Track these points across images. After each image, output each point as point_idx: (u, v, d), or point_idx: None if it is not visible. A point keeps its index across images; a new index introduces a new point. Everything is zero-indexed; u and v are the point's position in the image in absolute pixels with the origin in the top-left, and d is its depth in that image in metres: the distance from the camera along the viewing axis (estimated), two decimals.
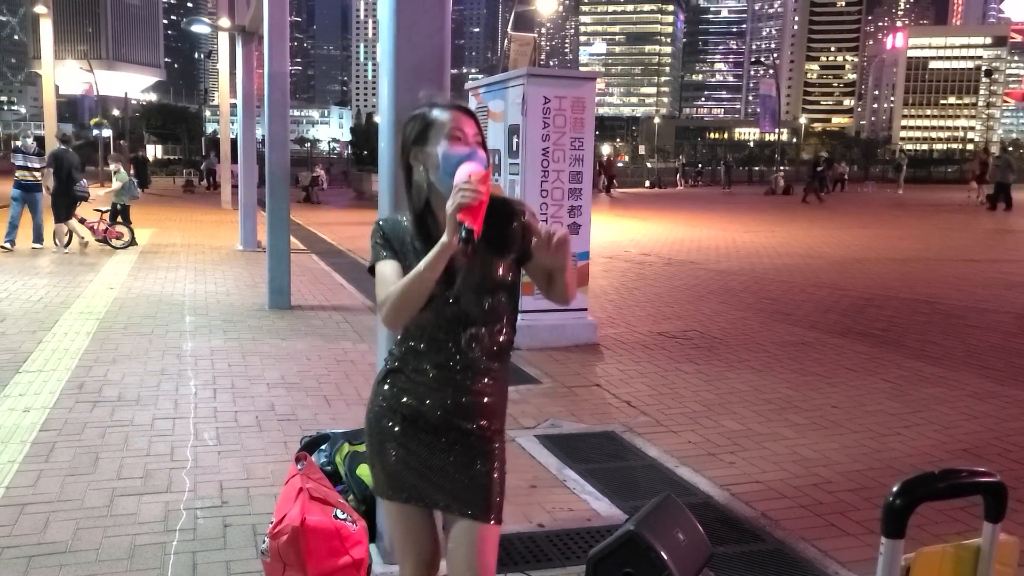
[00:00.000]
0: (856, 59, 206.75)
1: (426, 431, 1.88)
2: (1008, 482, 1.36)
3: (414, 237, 1.85)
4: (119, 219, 12.96)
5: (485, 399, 1.88)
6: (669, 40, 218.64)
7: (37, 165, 11.86)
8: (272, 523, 2.85)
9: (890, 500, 1.17)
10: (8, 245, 11.38)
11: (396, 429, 1.90)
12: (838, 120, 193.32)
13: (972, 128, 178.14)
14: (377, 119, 3.10)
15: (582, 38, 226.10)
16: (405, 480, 1.91)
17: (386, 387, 1.94)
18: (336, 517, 2.82)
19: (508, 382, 1.98)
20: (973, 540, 1.29)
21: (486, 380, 1.88)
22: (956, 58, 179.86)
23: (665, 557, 2.56)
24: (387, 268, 1.83)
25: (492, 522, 1.90)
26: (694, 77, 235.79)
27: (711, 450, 4.37)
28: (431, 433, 1.88)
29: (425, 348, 1.87)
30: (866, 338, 7.25)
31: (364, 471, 3.21)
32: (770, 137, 64.10)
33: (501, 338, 1.89)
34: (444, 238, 1.69)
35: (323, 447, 3.40)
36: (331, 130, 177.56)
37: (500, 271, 1.84)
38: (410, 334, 1.89)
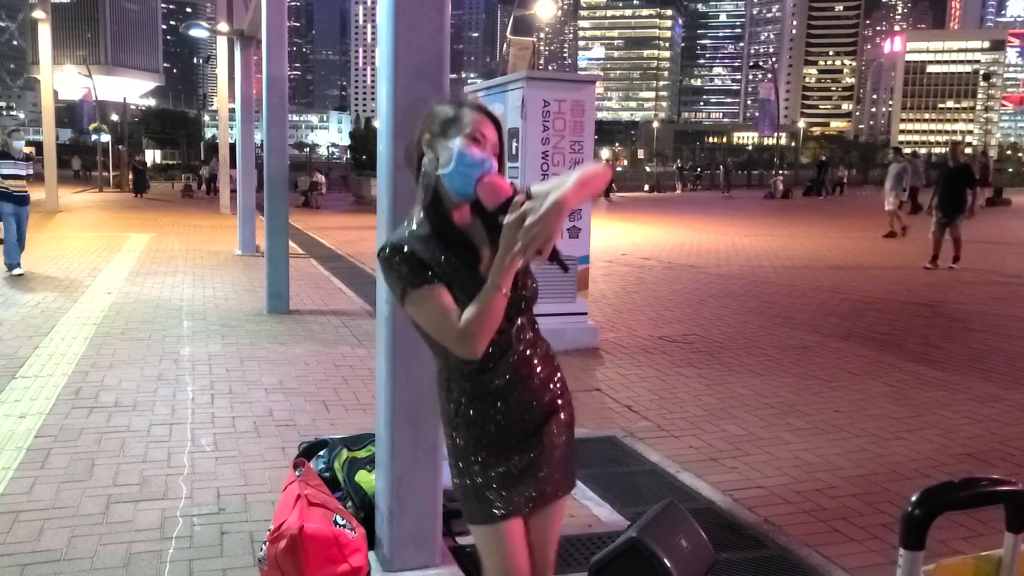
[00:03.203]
0: (854, 63, 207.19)
1: (515, 438, 1.84)
2: (1007, 476, 1.33)
3: (442, 246, 1.73)
4: None
5: (545, 373, 1.87)
6: (667, 44, 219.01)
7: (25, 172, 10.40)
8: (270, 530, 2.81)
9: (909, 510, 1.13)
10: (19, 270, 10.02)
11: (490, 457, 1.84)
12: (837, 124, 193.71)
13: (970, 132, 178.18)
14: (376, 124, 3.07)
15: (581, 43, 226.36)
16: (509, 496, 1.85)
17: (464, 419, 1.84)
18: (335, 524, 2.78)
19: (551, 349, 1.95)
20: (994, 551, 1.26)
21: (540, 350, 1.88)
22: (954, 62, 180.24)
23: (668, 564, 2.53)
24: (433, 294, 1.68)
25: (572, 490, 1.98)
26: (693, 81, 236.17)
27: (713, 455, 4.34)
28: (522, 437, 1.84)
29: (484, 361, 1.76)
30: (867, 342, 7.22)
31: (363, 477, 3.17)
32: (769, 141, 64.11)
33: (533, 320, 1.89)
34: (503, 252, 1.60)
35: (321, 453, 3.37)
36: (330, 135, 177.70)
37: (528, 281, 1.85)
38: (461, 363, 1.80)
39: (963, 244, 12.17)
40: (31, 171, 10.65)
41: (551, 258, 1.63)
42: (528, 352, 1.84)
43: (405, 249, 1.70)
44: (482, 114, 1.77)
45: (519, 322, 1.82)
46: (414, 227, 1.76)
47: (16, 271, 9.95)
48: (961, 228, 12.05)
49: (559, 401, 1.90)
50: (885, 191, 17.05)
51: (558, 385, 1.92)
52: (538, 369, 1.86)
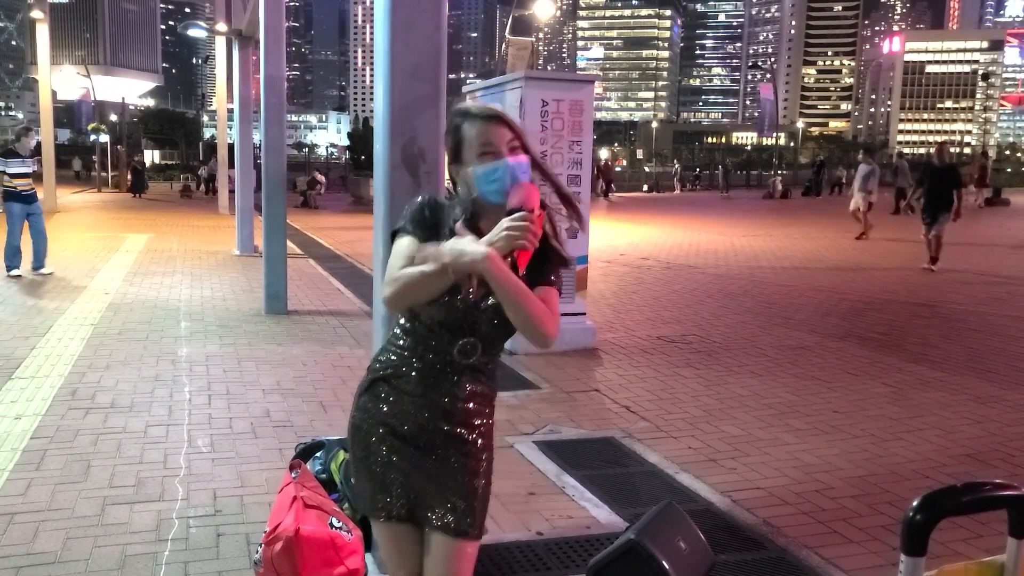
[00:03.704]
0: (853, 63, 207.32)
1: (409, 442, 1.82)
2: (1010, 481, 1.32)
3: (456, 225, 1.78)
4: None
5: (470, 404, 1.83)
6: (666, 45, 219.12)
7: (31, 169, 10.22)
8: (265, 532, 2.79)
9: (910, 515, 1.11)
10: (18, 272, 9.84)
11: (377, 441, 1.84)
12: (835, 124, 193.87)
13: (969, 132, 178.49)
14: (374, 124, 3.05)
15: (580, 43, 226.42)
16: (389, 495, 1.85)
17: (367, 396, 1.87)
18: (331, 526, 2.76)
19: (495, 390, 1.91)
20: (997, 556, 1.24)
21: (471, 387, 1.83)
22: (953, 62, 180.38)
23: (666, 566, 2.51)
24: (404, 244, 1.76)
25: (470, 537, 1.83)
26: (692, 82, 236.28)
27: (712, 456, 4.32)
28: (413, 444, 1.82)
29: (415, 351, 1.81)
30: (866, 342, 7.21)
31: None
32: (768, 141, 64.15)
33: (492, 355, 1.84)
34: (482, 248, 1.62)
35: (318, 454, 3.35)
36: (329, 135, 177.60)
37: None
38: (401, 337, 1.84)
39: (962, 244, 12.13)
40: (36, 167, 10.46)
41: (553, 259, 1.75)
42: (463, 378, 1.81)
43: (427, 205, 1.81)
44: (482, 122, 1.77)
45: (471, 344, 1.78)
46: (455, 203, 1.82)
47: (14, 272, 9.86)
48: (944, 229, 11.83)
49: (475, 435, 1.84)
50: (852, 192, 16.92)
51: (481, 430, 1.86)
52: (462, 402, 1.81)
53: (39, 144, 16.67)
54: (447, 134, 1.85)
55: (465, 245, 1.60)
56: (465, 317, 1.76)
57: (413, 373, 1.81)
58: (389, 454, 1.83)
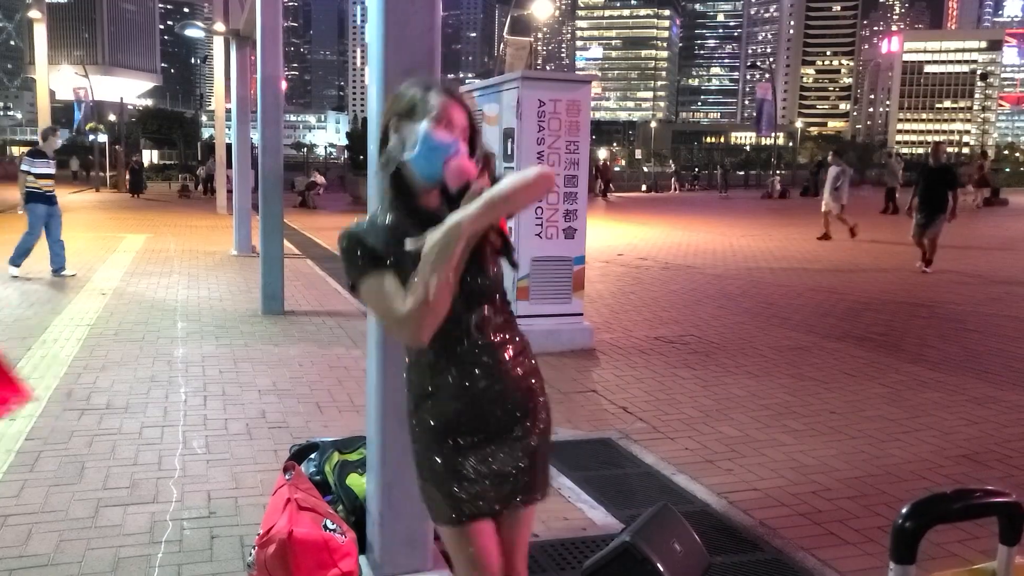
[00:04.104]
0: (852, 63, 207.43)
1: (476, 435, 1.79)
2: (1010, 487, 1.30)
3: (408, 232, 1.67)
4: None
5: (517, 370, 1.81)
6: (665, 45, 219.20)
7: (53, 171, 10.11)
8: (259, 534, 2.78)
9: (899, 523, 1.10)
10: (15, 271, 9.78)
11: (450, 451, 1.80)
12: (834, 124, 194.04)
13: (967, 132, 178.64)
14: (371, 124, 3.04)
15: (578, 43, 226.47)
16: (468, 498, 1.81)
17: (422, 415, 1.83)
18: (325, 528, 2.75)
19: (524, 337, 1.88)
20: (987, 563, 1.23)
21: (507, 352, 1.80)
22: (951, 62, 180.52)
23: (661, 569, 2.50)
24: (384, 282, 1.67)
25: (542, 499, 1.91)
26: (690, 81, 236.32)
27: (709, 457, 4.31)
28: (480, 434, 1.79)
29: (437, 352, 1.77)
30: (864, 342, 7.20)
31: (354, 481, 3.14)
32: (766, 141, 64.18)
33: (502, 308, 1.82)
34: (466, 222, 1.57)
35: (312, 456, 3.34)
36: (328, 135, 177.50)
37: (490, 237, 1.75)
38: (421, 352, 1.80)
39: (960, 244, 12.11)
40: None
41: (501, 251, 1.69)
42: (493, 347, 1.78)
43: (359, 238, 1.72)
44: (450, 97, 1.73)
45: (482, 313, 1.77)
46: (379, 215, 1.78)
47: (13, 272, 9.80)
48: (940, 230, 11.74)
49: (532, 403, 1.84)
50: (824, 193, 16.70)
51: (533, 386, 1.86)
52: (506, 366, 1.80)
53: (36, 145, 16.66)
54: (402, 90, 1.77)
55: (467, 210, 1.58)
56: (470, 292, 1.74)
57: (447, 370, 1.77)
58: (461, 457, 1.80)
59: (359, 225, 1.77)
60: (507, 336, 1.82)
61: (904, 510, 1.10)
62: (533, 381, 1.86)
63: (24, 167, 9.91)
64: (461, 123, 1.72)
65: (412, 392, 1.85)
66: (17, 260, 9.85)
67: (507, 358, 1.80)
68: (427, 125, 1.69)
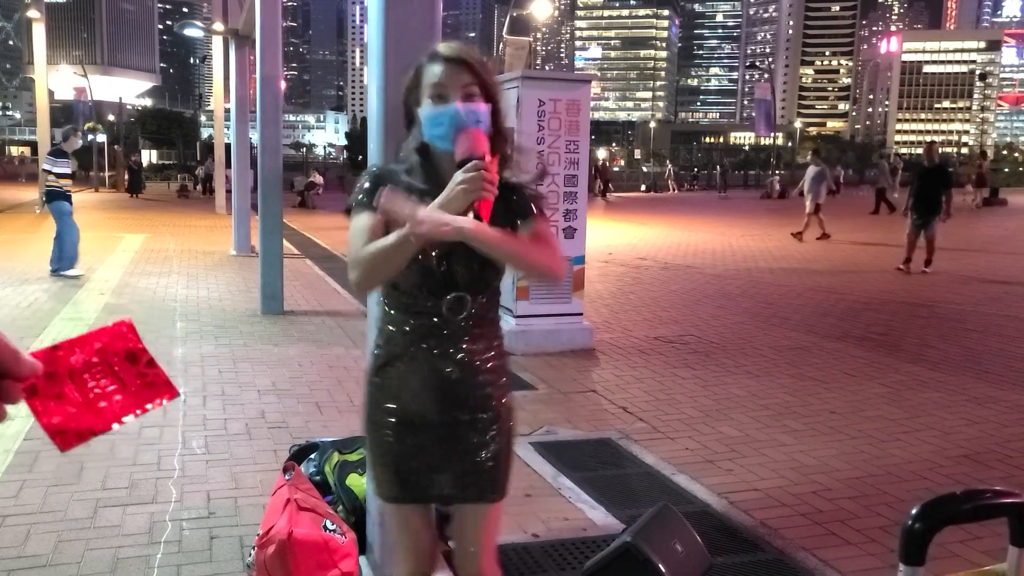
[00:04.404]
0: (851, 63, 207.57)
1: (422, 422, 1.78)
2: (1012, 488, 1.30)
3: (415, 181, 1.74)
4: None
5: (476, 362, 1.77)
6: (664, 45, 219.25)
7: (71, 170, 10.09)
8: (259, 535, 2.77)
9: (909, 524, 1.09)
10: (76, 271, 9.74)
11: (395, 424, 1.80)
12: (833, 124, 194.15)
13: (966, 132, 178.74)
14: (370, 124, 3.02)
15: (577, 43, 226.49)
16: (411, 478, 1.81)
17: (377, 382, 1.83)
18: (325, 529, 2.74)
19: (502, 337, 1.86)
20: (997, 565, 1.22)
21: (472, 344, 1.76)
22: (950, 62, 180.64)
23: (663, 569, 2.49)
24: (362, 221, 1.70)
25: (497, 500, 1.85)
26: (689, 81, 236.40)
27: (709, 457, 4.30)
28: (427, 423, 1.77)
29: (407, 323, 1.76)
30: (864, 342, 7.19)
31: (354, 481, 3.13)
32: (765, 141, 64.22)
33: (483, 308, 1.77)
34: (437, 208, 1.57)
35: (312, 456, 3.33)
36: (327, 135, 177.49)
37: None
38: (388, 315, 1.80)
39: (959, 244, 12.10)
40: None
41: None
42: (463, 337, 1.75)
43: (376, 177, 1.77)
44: (445, 64, 1.69)
45: (459, 300, 1.72)
46: (402, 170, 1.79)
47: (75, 272, 9.71)
48: (936, 230, 11.67)
49: (493, 403, 1.81)
50: (804, 193, 16.57)
51: (497, 386, 1.82)
52: (471, 360, 1.76)
53: (34, 145, 16.66)
54: (410, 70, 1.79)
55: (443, 215, 1.55)
56: (441, 273, 1.70)
57: (410, 347, 1.75)
58: (404, 438, 1.79)
59: (385, 166, 1.82)
60: (481, 332, 1.78)
61: (914, 511, 1.09)
62: (498, 382, 1.82)
63: (46, 166, 9.92)
64: (459, 81, 1.68)
65: (376, 356, 1.83)
66: (68, 263, 9.79)
67: (474, 352, 1.77)
68: (426, 106, 1.70)
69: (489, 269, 1.74)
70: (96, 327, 0.85)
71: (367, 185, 1.75)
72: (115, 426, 0.83)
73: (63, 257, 9.80)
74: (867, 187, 44.69)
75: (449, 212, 1.57)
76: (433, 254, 1.68)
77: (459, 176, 1.58)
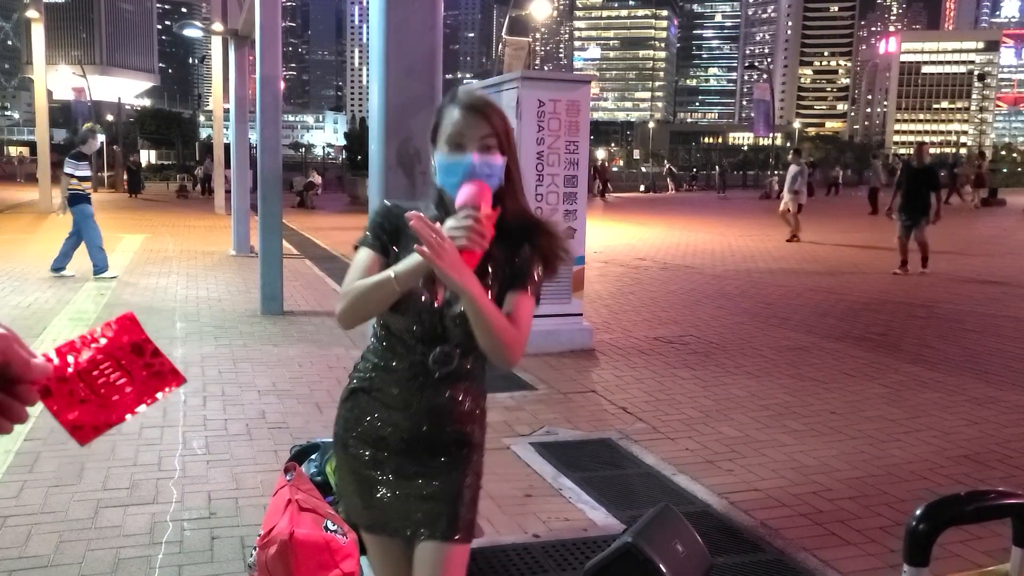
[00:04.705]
0: (849, 64, 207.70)
1: (390, 454, 1.75)
2: (1013, 489, 1.30)
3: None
4: None
5: (453, 412, 1.74)
6: (663, 45, 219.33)
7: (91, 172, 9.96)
8: (260, 535, 2.77)
9: (913, 525, 1.10)
10: (111, 272, 9.91)
11: (363, 453, 1.77)
12: (832, 124, 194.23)
13: (965, 132, 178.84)
14: (370, 124, 3.03)
15: (576, 43, 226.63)
16: (372, 506, 1.78)
17: (347, 407, 1.81)
18: (326, 529, 2.75)
19: (483, 392, 1.83)
20: (1001, 566, 1.22)
21: (453, 395, 1.74)
22: (949, 63, 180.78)
23: (664, 569, 2.50)
24: (361, 256, 1.69)
25: (458, 540, 1.74)
26: (688, 82, 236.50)
27: (709, 457, 4.31)
28: (396, 455, 1.74)
29: (391, 361, 1.73)
30: (863, 342, 7.20)
31: None
32: (764, 141, 64.28)
33: (469, 364, 1.74)
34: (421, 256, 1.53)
35: (313, 457, 3.33)
36: (326, 135, 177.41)
37: (491, 294, 1.66)
38: (376, 347, 1.77)
39: (958, 244, 12.07)
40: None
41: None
42: (441, 395, 1.72)
43: (386, 213, 1.75)
44: (465, 112, 1.66)
45: (445, 362, 1.69)
46: (423, 206, 1.73)
47: (109, 274, 9.77)
48: (926, 232, 11.53)
49: (464, 446, 1.77)
50: (783, 193, 16.45)
51: (470, 430, 1.78)
52: (445, 414, 1.73)
53: (33, 146, 16.64)
54: (435, 113, 1.77)
55: (461, 261, 1.50)
56: (434, 325, 1.68)
57: (392, 386, 1.73)
58: (372, 467, 1.77)
59: (397, 204, 1.77)
60: (464, 388, 1.75)
61: (918, 512, 1.10)
62: (471, 436, 1.79)
63: (68, 170, 9.91)
64: (478, 132, 1.65)
65: (353, 379, 1.81)
66: (101, 263, 9.84)
67: (452, 405, 1.74)
68: (441, 152, 1.67)
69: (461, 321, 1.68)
70: (99, 323, 0.87)
71: (373, 221, 1.74)
72: (128, 416, 0.86)
73: (94, 262, 9.82)
74: (866, 187, 44.78)
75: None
76: (426, 301, 1.64)
77: (449, 223, 1.54)
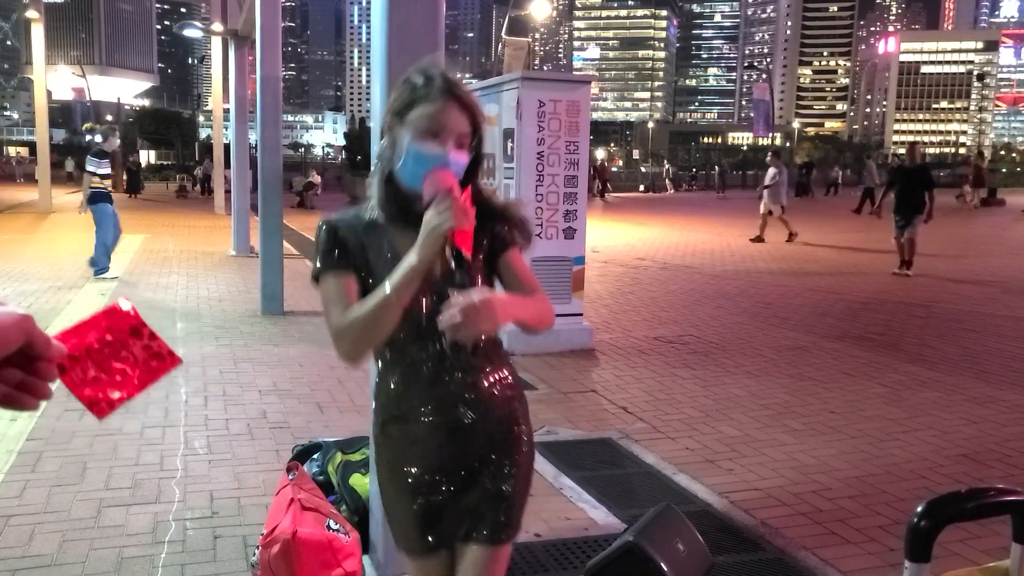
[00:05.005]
0: (848, 64, 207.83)
1: (435, 473, 1.67)
2: (1013, 487, 1.32)
3: (386, 231, 1.61)
4: None
5: (490, 395, 1.65)
6: (663, 45, 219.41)
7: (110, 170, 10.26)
8: (263, 534, 2.79)
9: (915, 522, 1.11)
10: (111, 273, 10.03)
11: (404, 481, 1.69)
12: (831, 124, 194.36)
13: (964, 132, 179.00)
14: (371, 124, 3.04)
15: (576, 43, 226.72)
16: (426, 529, 1.70)
17: (383, 438, 1.72)
18: (328, 528, 2.76)
19: (511, 365, 1.74)
20: (1001, 562, 1.24)
21: (488, 380, 1.66)
22: (948, 63, 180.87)
23: (665, 568, 2.51)
24: (332, 286, 1.58)
25: (505, 540, 1.70)
26: (688, 82, 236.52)
27: (709, 457, 4.32)
28: (440, 473, 1.67)
29: (407, 368, 1.64)
30: (862, 342, 7.22)
31: (357, 481, 3.15)
32: (763, 141, 64.26)
33: (481, 342, 1.64)
34: (414, 258, 1.47)
35: (315, 456, 3.34)
36: (325, 135, 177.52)
37: (479, 276, 1.63)
38: (388, 367, 1.68)
39: (957, 244, 12.06)
40: None
41: (458, 264, 1.49)
42: (473, 383, 1.65)
43: (334, 230, 1.63)
44: (447, 99, 1.55)
45: (453, 351, 1.60)
46: (366, 211, 1.65)
47: (110, 275, 9.80)
48: (918, 232, 11.41)
49: (512, 438, 1.70)
50: (762, 195, 16.21)
51: (515, 417, 1.71)
52: (484, 398, 1.66)
53: (33, 146, 16.67)
54: (402, 83, 1.62)
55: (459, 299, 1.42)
56: (434, 317, 1.58)
57: (417, 404, 1.64)
58: (418, 490, 1.68)
59: (341, 216, 1.67)
60: (492, 366, 1.68)
61: (919, 509, 1.11)
62: (516, 416, 1.71)
63: (91, 168, 9.97)
64: (458, 128, 1.57)
65: (377, 413, 1.73)
66: (104, 263, 9.88)
67: (487, 389, 1.66)
68: (415, 139, 1.56)
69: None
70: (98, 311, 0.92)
71: (326, 245, 1.62)
72: (138, 393, 0.93)
73: (95, 256, 9.89)
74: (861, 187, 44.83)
75: (428, 255, 1.47)
76: (423, 300, 1.58)
77: (430, 215, 1.47)
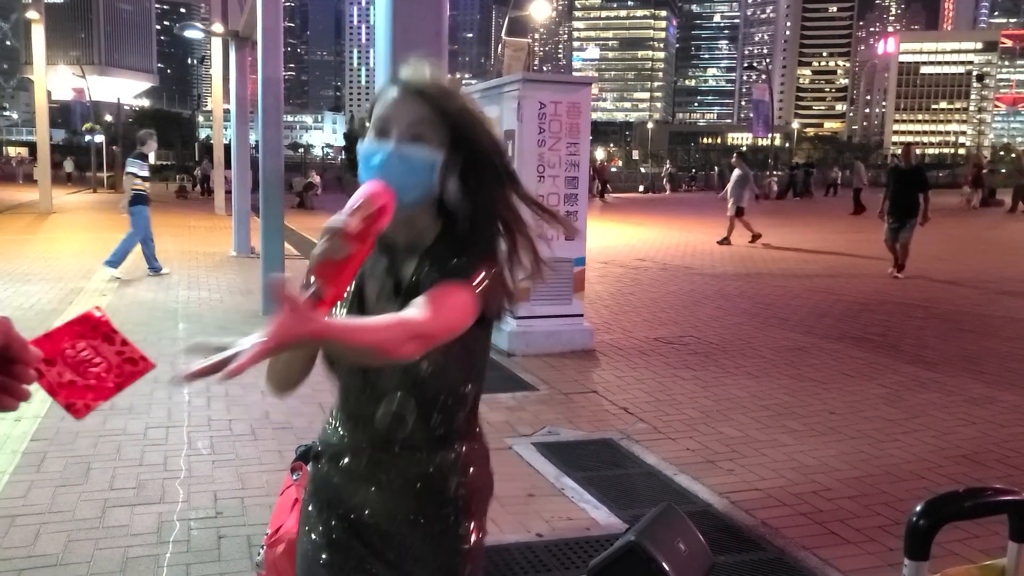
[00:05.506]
0: (848, 64, 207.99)
1: (357, 530, 1.39)
2: (1010, 486, 1.34)
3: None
4: None
5: (426, 484, 1.35)
6: (662, 45, 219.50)
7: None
8: (267, 534, 2.81)
9: (914, 520, 1.14)
10: (165, 269, 10.37)
11: (321, 525, 1.43)
12: (830, 125, 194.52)
13: (963, 132, 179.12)
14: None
15: (575, 43, 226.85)
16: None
17: (312, 470, 1.49)
18: None
19: (476, 461, 1.41)
20: (998, 560, 1.26)
21: (421, 465, 1.35)
22: (947, 63, 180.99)
23: (667, 568, 2.53)
24: None
25: None
26: (687, 82, 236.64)
27: (710, 457, 4.34)
28: (363, 534, 1.39)
29: (345, 421, 1.43)
30: (862, 343, 7.24)
31: None
32: (763, 142, 64.33)
33: (442, 412, 1.34)
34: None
35: None
36: (325, 135, 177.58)
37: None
38: (334, 406, 1.48)
39: (956, 244, 12.07)
40: None
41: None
42: (397, 453, 1.36)
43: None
44: (399, 89, 1.32)
45: (397, 424, 1.34)
46: None
47: (115, 272, 9.90)
48: (912, 236, 11.22)
49: (442, 526, 1.37)
50: (728, 196, 15.97)
51: (446, 509, 1.37)
52: (413, 487, 1.36)
53: (32, 146, 16.73)
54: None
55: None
56: (364, 378, 1.37)
57: (347, 454, 1.41)
58: (333, 542, 1.42)
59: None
60: (438, 449, 1.36)
61: (918, 508, 1.14)
62: (448, 506, 1.37)
63: (132, 169, 10.11)
64: (409, 116, 1.30)
65: (317, 440, 1.52)
66: (116, 262, 9.99)
67: (419, 474, 1.36)
68: (367, 139, 1.34)
69: (437, 360, 1.28)
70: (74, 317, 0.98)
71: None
72: (113, 395, 0.96)
73: (115, 253, 10.03)
74: (864, 188, 44.83)
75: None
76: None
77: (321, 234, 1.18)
